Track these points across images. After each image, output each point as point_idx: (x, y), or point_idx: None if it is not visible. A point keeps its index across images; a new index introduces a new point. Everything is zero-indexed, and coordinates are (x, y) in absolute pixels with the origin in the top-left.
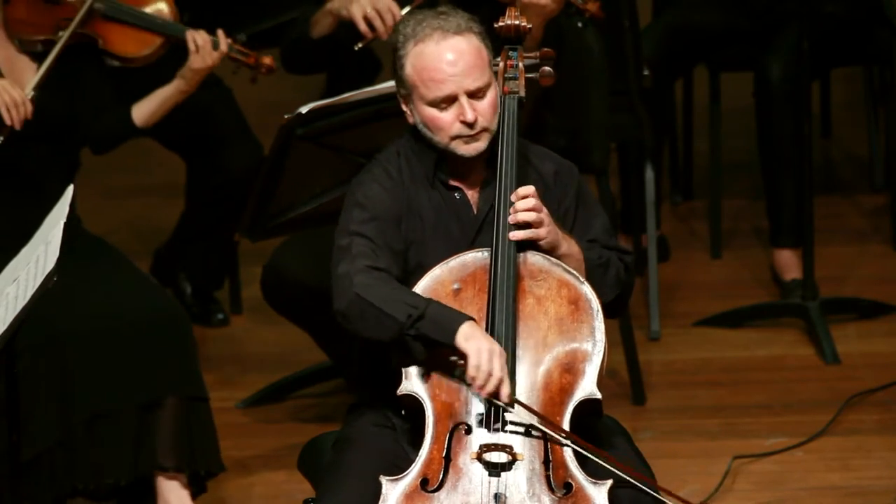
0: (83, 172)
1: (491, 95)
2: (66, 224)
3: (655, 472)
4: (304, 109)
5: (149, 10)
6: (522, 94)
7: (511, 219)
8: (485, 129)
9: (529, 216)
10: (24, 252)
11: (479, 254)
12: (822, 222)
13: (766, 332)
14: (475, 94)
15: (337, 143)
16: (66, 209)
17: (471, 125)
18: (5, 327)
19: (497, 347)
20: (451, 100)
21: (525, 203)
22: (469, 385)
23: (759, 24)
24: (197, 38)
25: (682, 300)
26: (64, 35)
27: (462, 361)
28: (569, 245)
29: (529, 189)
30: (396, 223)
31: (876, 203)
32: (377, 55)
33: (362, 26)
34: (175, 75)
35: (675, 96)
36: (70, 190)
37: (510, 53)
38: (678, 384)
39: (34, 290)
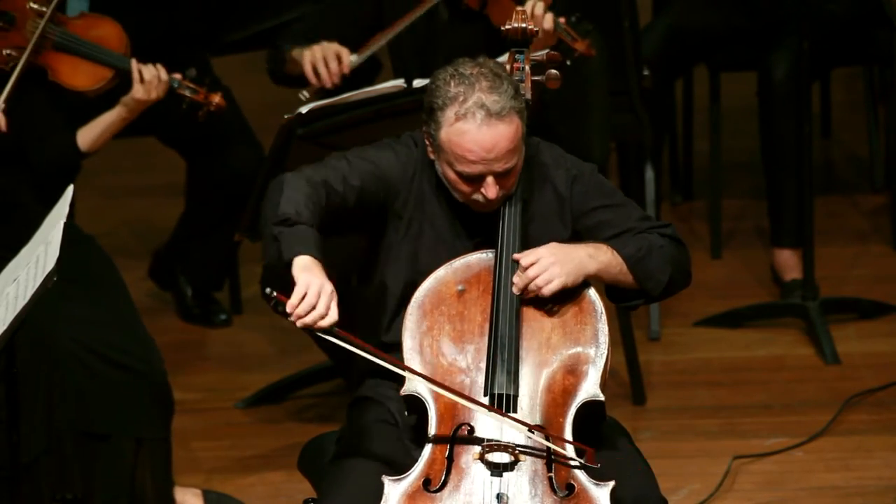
0: (83, 173)
1: (518, 166)
2: (67, 226)
3: (655, 472)
4: (304, 109)
5: (99, 42)
6: (529, 96)
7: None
8: (503, 196)
9: (535, 281)
10: (24, 252)
11: (484, 255)
12: (822, 222)
13: (766, 332)
14: (503, 173)
15: (337, 143)
16: (66, 209)
17: (490, 200)
18: (5, 327)
19: (329, 287)
20: (478, 178)
21: (524, 280)
22: (288, 316)
23: (759, 25)
24: (143, 71)
25: (682, 300)
26: (19, 64)
27: (276, 293)
28: (597, 261)
29: (526, 261)
30: (386, 186)
31: (876, 203)
32: (377, 56)
33: (308, 72)
34: (118, 101)
35: (675, 96)
36: (70, 190)
37: (517, 56)
38: (678, 384)
39: (34, 290)
